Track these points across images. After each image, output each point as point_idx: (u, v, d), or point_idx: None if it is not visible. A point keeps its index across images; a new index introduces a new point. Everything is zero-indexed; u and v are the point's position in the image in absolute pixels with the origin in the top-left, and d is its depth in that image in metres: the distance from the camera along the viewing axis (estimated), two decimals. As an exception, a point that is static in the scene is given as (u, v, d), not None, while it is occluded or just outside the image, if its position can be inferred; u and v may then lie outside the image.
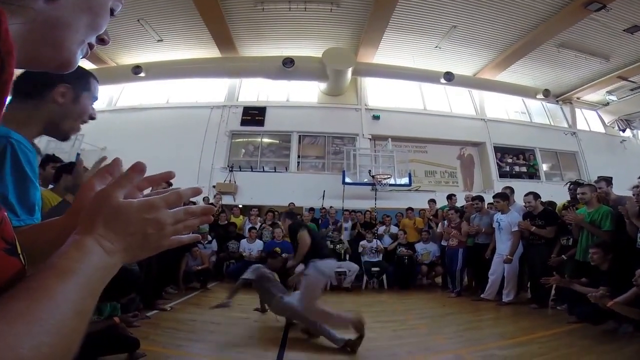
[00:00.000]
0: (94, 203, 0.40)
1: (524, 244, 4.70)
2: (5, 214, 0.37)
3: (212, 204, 7.40)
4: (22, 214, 0.76)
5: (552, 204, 5.19)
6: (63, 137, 0.94)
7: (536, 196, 4.72)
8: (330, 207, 7.60)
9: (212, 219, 0.50)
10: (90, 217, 0.39)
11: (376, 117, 10.38)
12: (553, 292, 4.27)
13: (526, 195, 4.78)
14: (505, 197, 5.05)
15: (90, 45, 0.50)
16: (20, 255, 0.37)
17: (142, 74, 9.49)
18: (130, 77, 9.61)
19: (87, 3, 0.46)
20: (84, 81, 0.93)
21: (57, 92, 0.87)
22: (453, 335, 3.40)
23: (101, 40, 0.52)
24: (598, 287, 3.02)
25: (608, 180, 4.23)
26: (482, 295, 4.85)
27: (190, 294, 5.03)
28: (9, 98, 0.78)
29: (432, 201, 6.91)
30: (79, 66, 0.88)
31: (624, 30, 8.15)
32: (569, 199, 4.79)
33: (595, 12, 7.39)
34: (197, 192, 0.50)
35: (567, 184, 5.02)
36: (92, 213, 0.39)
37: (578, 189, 4.20)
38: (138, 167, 0.43)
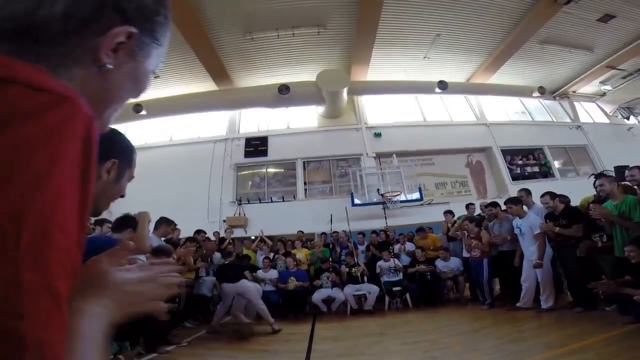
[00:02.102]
0: (93, 276, 0.45)
1: (553, 246, 4.41)
2: None
3: (223, 238, 7.30)
4: None
5: (564, 197, 4.88)
6: (95, 214, 0.83)
7: (553, 195, 4.50)
8: (343, 230, 7.36)
9: (175, 292, 0.58)
10: (92, 289, 0.43)
11: (377, 135, 10.36)
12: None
13: (542, 196, 4.57)
14: (517, 201, 4.81)
15: None
16: None
17: (144, 112, 9.66)
18: (133, 116, 9.75)
19: (134, 72, 0.45)
20: (129, 156, 0.82)
21: (104, 167, 0.75)
22: (493, 350, 3.07)
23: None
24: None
25: None
26: (517, 305, 4.50)
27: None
28: None
29: (449, 212, 6.63)
30: (125, 138, 0.87)
31: (597, 20, 8.29)
32: (594, 193, 4.50)
33: (565, 4, 7.51)
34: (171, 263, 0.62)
35: (590, 176, 4.76)
36: (92, 285, 0.44)
37: (596, 181, 3.97)
38: (128, 247, 0.53)
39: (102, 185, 0.76)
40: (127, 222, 2.56)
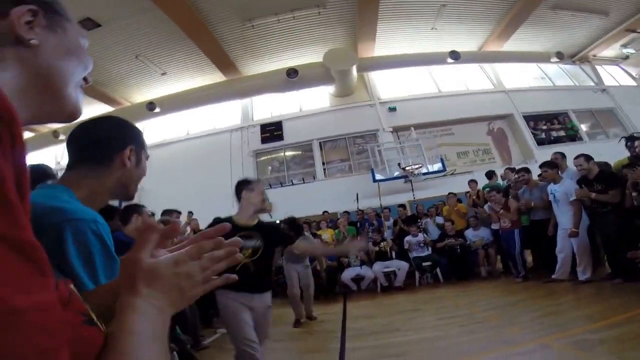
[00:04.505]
0: (127, 268, 0.42)
1: (589, 214, 4.20)
2: (72, 286, 0.39)
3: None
4: None
5: (606, 165, 4.64)
6: (129, 199, 0.91)
7: (588, 158, 4.15)
8: (368, 208, 7.41)
9: (239, 259, 0.50)
10: (131, 281, 0.40)
11: (392, 109, 10.17)
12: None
13: (576, 158, 4.23)
14: (553, 165, 4.55)
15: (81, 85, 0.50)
16: (98, 323, 0.38)
17: (157, 109, 9.82)
18: (147, 114, 9.95)
19: (64, 45, 0.46)
20: (140, 139, 0.89)
21: (124, 155, 0.81)
22: (531, 324, 3.10)
23: (84, 80, 0.51)
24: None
25: None
26: (553, 277, 4.40)
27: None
28: (75, 163, 0.82)
29: (473, 182, 6.57)
30: (130, 123, 0.92)
31: None
32: (628, 155, 4.29)
33: None
34: (220, 231, 0.49)
35: (621, 139, 4.53)
36: (130, 277, 0.41)
37: (628, 143, 3.77)
38: (152, 227, 0.44)
39: (129, 173, 0.82)
40: (130, 210, 2.56)
